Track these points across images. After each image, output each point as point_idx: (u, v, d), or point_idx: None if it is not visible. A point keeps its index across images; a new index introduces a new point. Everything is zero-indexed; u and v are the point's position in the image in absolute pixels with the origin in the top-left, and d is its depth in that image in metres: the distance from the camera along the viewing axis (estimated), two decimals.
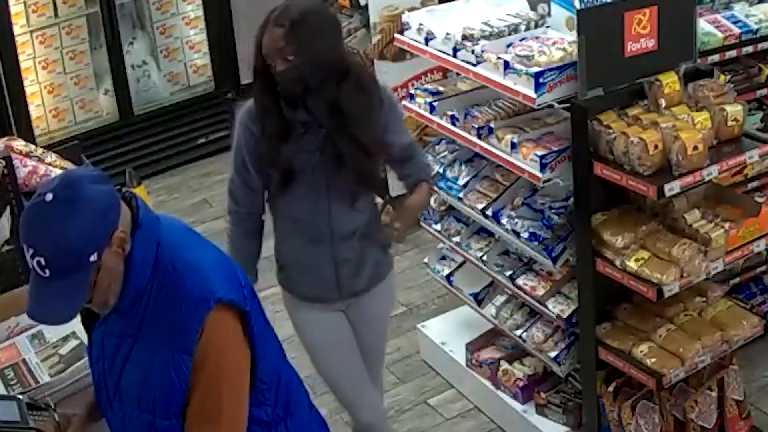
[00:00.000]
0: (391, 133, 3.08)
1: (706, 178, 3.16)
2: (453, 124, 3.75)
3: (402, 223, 3.13)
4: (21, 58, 5.72)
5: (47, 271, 1.97)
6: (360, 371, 3.31)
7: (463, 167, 3.88)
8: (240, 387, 2.15)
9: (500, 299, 3.94)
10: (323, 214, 3.04)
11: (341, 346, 3.27)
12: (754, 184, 4.09)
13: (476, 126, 3.64)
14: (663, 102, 3.26)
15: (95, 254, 1.99)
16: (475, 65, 3.53)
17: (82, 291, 2.01)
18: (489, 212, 3.68)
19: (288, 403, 2.33)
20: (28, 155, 3.58)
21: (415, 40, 3.85)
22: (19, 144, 3.63)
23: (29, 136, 5.43)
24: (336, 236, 3.06)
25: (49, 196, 1.98)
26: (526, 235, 3.54)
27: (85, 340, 2.80)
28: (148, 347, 2.09)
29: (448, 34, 3.66)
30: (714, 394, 3.55)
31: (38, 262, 1.97)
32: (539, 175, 3.35)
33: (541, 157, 3.34)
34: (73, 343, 2.83)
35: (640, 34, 3.27)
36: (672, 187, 3.08)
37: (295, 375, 2.43)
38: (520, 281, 3.70)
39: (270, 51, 2.93)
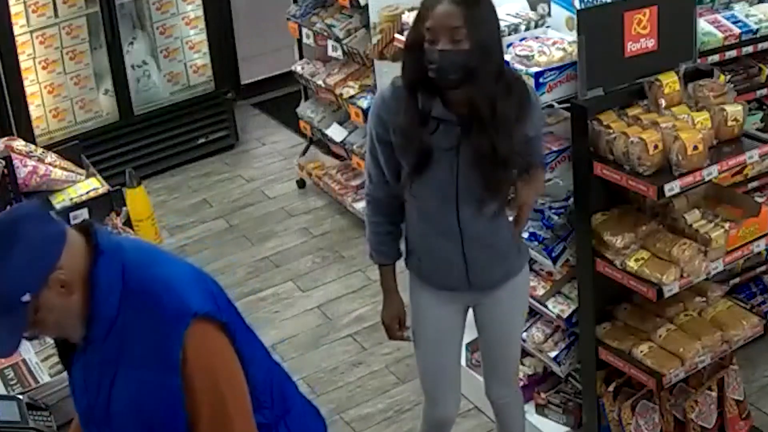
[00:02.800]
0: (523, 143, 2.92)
1: (706, 178, 3.16)
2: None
3: (519, 222, 3.04)
4: (21, 58, 5.71)
5: None
6: (452, 369, 3.29)
7: None
8: (242, 394, 2.13)
9: None
10: (452, 214, 2.92)
11: (445, 340, 3.22)
12: (754, 184, 4.09)
13: None
14: (663, 102, 3.26)
15: (28, 295, 1.95)
16: None
17: (17, 330, 1.99)
18: None
19: (283, 400, 2.33)
20: (28, 155, 3.58)
21: None
22: (19, 144, 3.63)
23: (29, 136, 5.43)
24: (465, 236, 2.95)
25: None
26: (526, 235, 3.54)
27: None
28: (133, 373, 2.06)
29: None
30: (714, 394, 3.55)
31: None
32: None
33: None
34: None
35: (640, 34, 3.27)
36: (672, 187, 3.08)
37: (282, 370, 2.42)
38: None
39: (439, 26, 2.69)
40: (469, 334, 4.19)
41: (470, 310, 3.26)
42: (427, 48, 2.72)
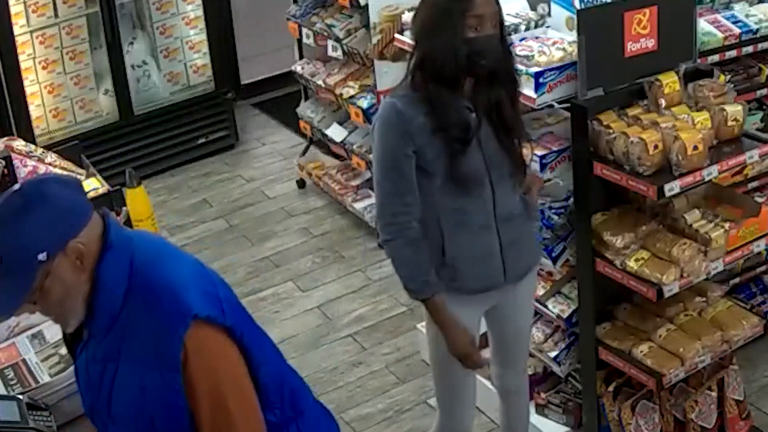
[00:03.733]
0: None
1: (706, 178, 3.16)
2: None
3: (532, 193, 3.16)
4: (21, 58, 5.72)
5: None
6: (473, 385, 3.29)
7: None
8: (246, 397, 2.12)
9: None
10: (488, 200, 2.97)
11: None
12: (754, 184, 4.09)
13: None
14: (663, 102, 3.26)
15: (44, 253, 1.94)
16: None
17: (23, 289, 1.96)
18: None
19: (295, 402, 2.31)
20: (28, 155, 3.58)
21: None
22: (19, 144, 3.63)
23: (29, 136, 5.43)
24: (499, 219, 3.00)
25: (16, 187, 1.99)
26: None
27: None
28: (134, 370, 2.05)
29: None
30: (714, 394, 3.55)
31: None
32: (539, 175, 3.34)
33: (541, 157, 3.34)
34: None
35: (640, 34, 3.27)
36: (672, 187, 3.08)
37: (296, 374, 2.42)
38: None
39: (487, 11, 2.79)
40: None
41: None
42: (476, 37, 2.78)
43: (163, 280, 2.08)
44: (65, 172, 3.72)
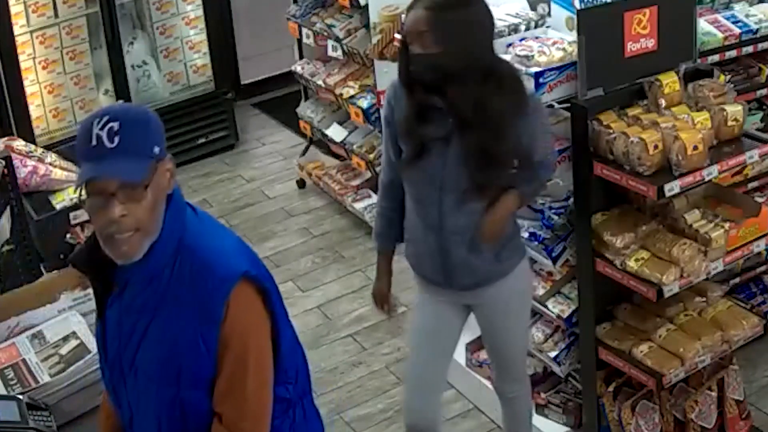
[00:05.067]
0: (525, 139, 2.91)
1: (706, 178, 3.16)
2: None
3: (486, 230, 2.98)
4: (21, 58, 5.71)
5: (116, 139, 2.01)
6: (428, 374, 3.26)
7: None
8: (265, 364, 2.19)
9: None
10: (435, 204, 2.96)
11: (426, 341, 3.24)
12: (754, 184, 4.09)
13: None
14: (663, 102, 3.26)
15: (158, 148, 2.06)
16: None
17: (141, 171, 2.03)
18: None
19: (305, 383, 2.39)
20: (28, 155, 3.58)
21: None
22: (19, 144, 3.64)
23: (29, 136, 5.43)
24: (445, 230, 2.97)
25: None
26: (526, 235, 3.54)
27: (85, 341, 2.80)
28: (171, 321, 2.10)
29: None
30: (714, 394, 3.55)
31: (109, 129, 2.01)
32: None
33: None
34: (73, 343, 2.83)
35: (640, 34, 3.27)
36: (672, 187, 3.08)
37: (305, 356, 2.47)
38: None
39: (410, 31, 2.80)
40: (469, 334, 4.19)
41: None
42: (411, 51, 2.82)
43: (214, 243, 2.17)
44: (66, 173, 3.73)
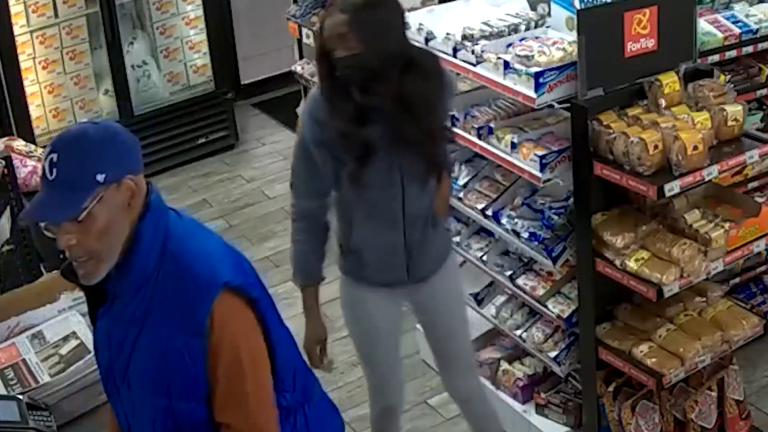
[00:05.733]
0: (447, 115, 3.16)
1: (706, 178, 3.16)
2: (453, 124, 3.75)
3: (441, 203, 3.21)
4: (21, 58, 5.72)
5: (54, 171, 1.99)
6: (394, 359, 3.42)
7: (463, 167, 3.88)
8: (262, 370, 2.17)
9: (500, 299, 3.94)
10: (397, 196, 3.04)
11: (384, 332, 3.33)
12: (754, 184, 4.09)
13: (476, 126, 3.64)
14: (663, 102, 3.26)
15: (103, 176, 2.00)
16: (475, 65, 3.53)
17: (77, 202, 1.99)
18: (489, 212, 3.68)
19: (304, 388, 2.37)
20: (28, 155, 3.58)
21: (415, 40, 3.85)
22: (19, 144, 3.64)
23: (29, 136, 5.44)
24: (408, 218, 3.07)
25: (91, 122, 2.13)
26: (526, 235, 3.54)
27: (85, 341, 2.80)
28: (158, 333, 2.09)
29: (448, 34, 3.66)
30: (714, 394, 3.55)
31: (50, 161, 2.00)
32: (539, 175, 3.34)
33: (541, 157, 3.34)
34: (73, 343, 2.83)
35: (640, 34, 3.27)
36: (672, 187, 3.08)
37: (305, 362, 2.48)
38: (520, 281, 3.70)
39: (331, 36, 2.87)
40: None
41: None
42: (331, 56, 2.89)
43: (197, 248, 2.14)
44: None
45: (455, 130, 3.73)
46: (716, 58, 3.89)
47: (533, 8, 3.75)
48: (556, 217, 3.53)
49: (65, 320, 2.92)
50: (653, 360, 3.30)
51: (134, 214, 2.08)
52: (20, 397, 2.59)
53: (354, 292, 3.28)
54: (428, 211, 3.12)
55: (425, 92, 2.92)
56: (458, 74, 3.87)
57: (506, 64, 3.37)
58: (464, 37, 3.60)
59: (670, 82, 3.28)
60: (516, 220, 3.60)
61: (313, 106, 3.03)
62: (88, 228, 2.01)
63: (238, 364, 2.10)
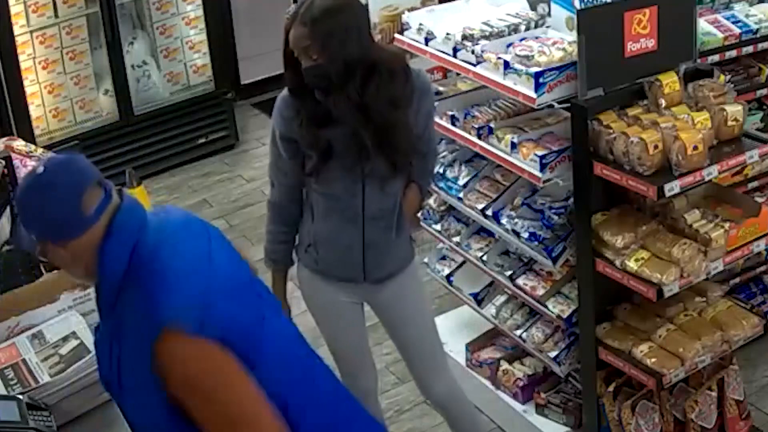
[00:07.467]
0: (418, 119, 3.09)
1: (706, 178, 3.16)
2: (453, 124, 3.75)
3: (409, 210, 3.24)
4: (21, 58, 5.72)
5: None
6: (363, 345, 3.43)
7: (463, 167, 3.88)
8: (247, 397, 2.07)
9: (500, 299, 3.94)
10: (357, 194, 3.07)
11: (349, 320, 3.34)
12: (754, 184, 4.09)
13: (476, 126, 3.64)
14: (663, 102, 3.26)
15: (34, 237, 2.17)
16: (475, 65, 3.53)
17: (33, 245, 2.17)
18: (489, 212, 3.68)
19: (300, 409, 2.22)
20: (28, 155, 3.58)
21: (415, 40, 3.86)
22: (19, 144, 3.63)
23: (29, 136, 5.44)
24: (366, 217, 3.10)
25: (40, 170, 2.17)
26: (526, 235, 3.54)
27: (85, 341, 2.81)
28: (134, 352, 2.08)
29: (448, 34, 3.66)
30: (714, 394, 3.55)
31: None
32: (539, 175, 3.35)
33: (541, 157, 3.34)
34: (73, 343, 2.83)
35: (640, 34, 3.27)
36: (672, 187, 3.08)
37: (310, 384, 2.35)
38: (520, 281, 3.70)
39: (295, 47, 2.94)
40: (469, 335, 4.20)
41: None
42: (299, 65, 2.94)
43: (161, 270, 2.09)
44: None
45: (455, 130, 3.74)
46: (716, 58, 3.89)
47: (533, 8, 3.75)
48: (556, 217, 3.53)
49: (65, 320, 2.92)
50: (653, 360, 3.30)
51: (87, 253, 2.11)
52: (20, 397, 2.59)
53: (313, 283, 3.29)
54: (393, 215, 3.15)
55: (389, 96, 2.94)
56: (458, 74, 3.88)
57: (506, 64, 3.37)
58: (464, 37, 3.60)
59: (670, 82, 3.28)
60: (516, 220, 3.60)
61: (282, 104, 3.09)
62: (52, 258, 2.18)
63: (210, 398, 2.04)
